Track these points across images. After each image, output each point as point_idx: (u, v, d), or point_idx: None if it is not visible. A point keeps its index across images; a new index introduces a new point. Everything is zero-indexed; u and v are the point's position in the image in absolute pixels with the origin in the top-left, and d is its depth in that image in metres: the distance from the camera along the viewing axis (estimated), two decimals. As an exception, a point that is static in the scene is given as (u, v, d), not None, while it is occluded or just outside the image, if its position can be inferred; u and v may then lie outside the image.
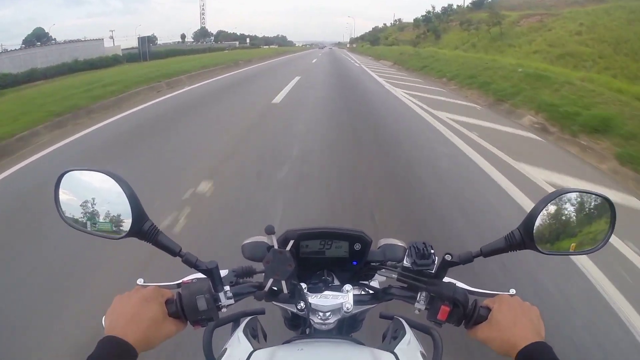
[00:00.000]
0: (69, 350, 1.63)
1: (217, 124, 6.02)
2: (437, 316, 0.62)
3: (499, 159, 4.24)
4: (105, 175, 0.59)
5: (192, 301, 0.59)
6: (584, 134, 4.98)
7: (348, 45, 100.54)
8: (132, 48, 42.47)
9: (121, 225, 0.60)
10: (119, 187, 0.58)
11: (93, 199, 0.61)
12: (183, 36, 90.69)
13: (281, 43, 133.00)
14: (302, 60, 24.78)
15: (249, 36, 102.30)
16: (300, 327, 0.83)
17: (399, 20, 73.96)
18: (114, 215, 0.60)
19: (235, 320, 0.81)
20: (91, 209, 0.61)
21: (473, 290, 0.67)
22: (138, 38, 39.05)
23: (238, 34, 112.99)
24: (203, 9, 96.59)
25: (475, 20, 30.28)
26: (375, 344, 0.72)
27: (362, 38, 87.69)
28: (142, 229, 0.59)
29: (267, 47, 79.57)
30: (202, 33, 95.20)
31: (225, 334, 0.77)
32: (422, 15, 43.19)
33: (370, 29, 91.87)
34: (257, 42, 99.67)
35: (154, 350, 0.56)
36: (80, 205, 0.61)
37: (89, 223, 0.61)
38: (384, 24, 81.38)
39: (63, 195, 0.62)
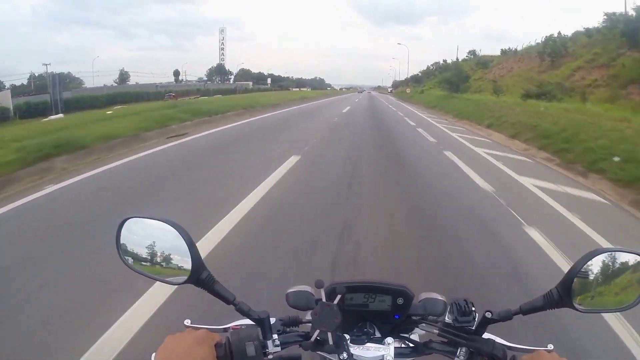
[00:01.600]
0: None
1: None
2: None
3: None
4: (166, 224, 0.62)
5: (241, 347, 0.61)
6: None
7: (390, 90, 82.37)
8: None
9: (180, 273, 0.62)
10: (179, 235, 0.61)
11: (153, 245, 0.64)
12: (177, 72, 74.36)
13: (316, 86, 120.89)
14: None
15: (269, 76, 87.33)
16: None
17: (474, 52, 53.14)
18: (173, 263, 0.63)
19: None
20: (151, 255, 0.64)
21: (511, 346, 0.68)
22: (49, 76, 21.55)
23: (266, 73, 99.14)
24: (223, 43, 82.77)
25: None
26: None
27: (416, 80, 62.47)
28: (200, 277, 0.62)
29: (296, 89, 64.61)
30: (219, 70, 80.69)
31: None
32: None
33: (425, 67, 72.01)
34: (285, 84, 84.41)
35: None
36: (141, 251, 0.64)
37: (148, 268, 0.64)
38: (444, 60, 61.73)
39: (125, 240, 0.65)
